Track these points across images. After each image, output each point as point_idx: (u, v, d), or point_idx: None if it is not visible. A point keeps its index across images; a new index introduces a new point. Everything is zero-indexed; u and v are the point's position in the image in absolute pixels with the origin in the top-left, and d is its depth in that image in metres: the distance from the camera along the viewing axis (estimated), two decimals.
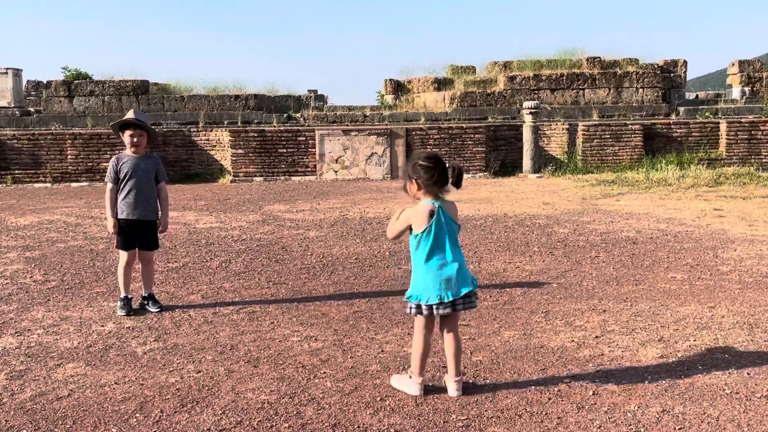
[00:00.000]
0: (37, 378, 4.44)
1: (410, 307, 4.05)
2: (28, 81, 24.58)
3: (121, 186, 5.93)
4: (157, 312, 5.93)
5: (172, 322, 5.64)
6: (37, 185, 17.78)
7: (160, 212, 6.11)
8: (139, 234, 5.99)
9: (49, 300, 6.40)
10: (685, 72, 23.89)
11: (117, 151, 18.50)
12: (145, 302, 6.07)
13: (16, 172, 18.00)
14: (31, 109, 23.36)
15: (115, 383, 4.31)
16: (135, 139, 5.93)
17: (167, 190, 6.19)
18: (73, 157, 18.11)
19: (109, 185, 5.98)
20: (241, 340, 5.14)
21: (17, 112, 22.16)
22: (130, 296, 6.02)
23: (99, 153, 18.15)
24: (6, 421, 3.81)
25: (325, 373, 4.45)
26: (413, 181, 4.03)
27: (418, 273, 4.04)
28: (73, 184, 17.86)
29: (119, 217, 5.95)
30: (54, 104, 22.37)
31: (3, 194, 15.98)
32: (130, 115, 6.06)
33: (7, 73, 22.81)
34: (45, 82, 23.45)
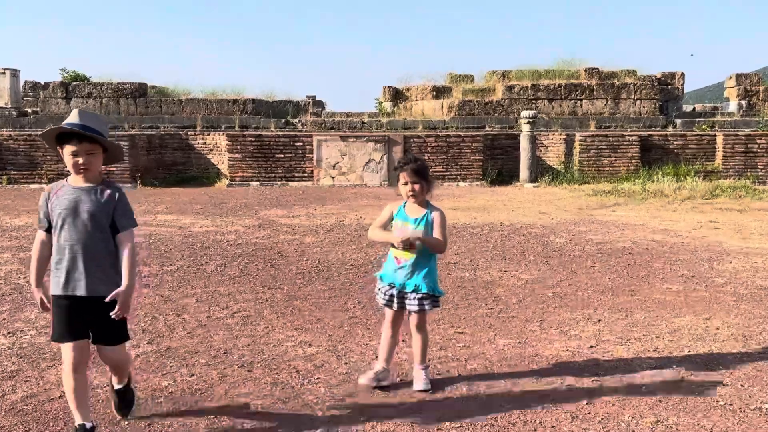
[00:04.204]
0: (28, 379, 4.42)
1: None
2: (25, 82, 24.55)
3: (56, 237, 3.55)
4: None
5: (166, 325, 5.62)
6: (32, 186, 17.74)
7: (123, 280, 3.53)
8: (88, 317, 3.53)
9: None
10: (682, 84, 23.98)
11: None
12: (120, 399, 3.88)
13: (12, 172, 17.96)
14: (28, 110, 23.33)
15: (108, 385, 4.28)
16: (81, 160, 3.53)
17: (134, 244, 3.61)
18: None
19: (39, 234, 3.63)
20: (235, 345, 5.12)
21: (14, 113, 22.13)
22: (89, 425, 3.54)
23: None
24: None
25: (319, 378, 4.44)
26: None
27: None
28: None
29: (52, 292, 3.55)
30: (51, 105, 22.35)
31: None
32: (72, 118, 3.57)
33: (4, 73, 22.79)
34: (42, 84, 23.43)
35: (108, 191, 3.57)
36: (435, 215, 4.24)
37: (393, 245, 4.23)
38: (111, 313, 3.47)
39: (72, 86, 22.35)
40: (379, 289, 4.36)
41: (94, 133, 3.55)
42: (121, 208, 3.57)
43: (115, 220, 3.55)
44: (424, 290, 4.22)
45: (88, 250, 3.49)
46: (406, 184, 4.23)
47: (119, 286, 3.49)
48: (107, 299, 3.46)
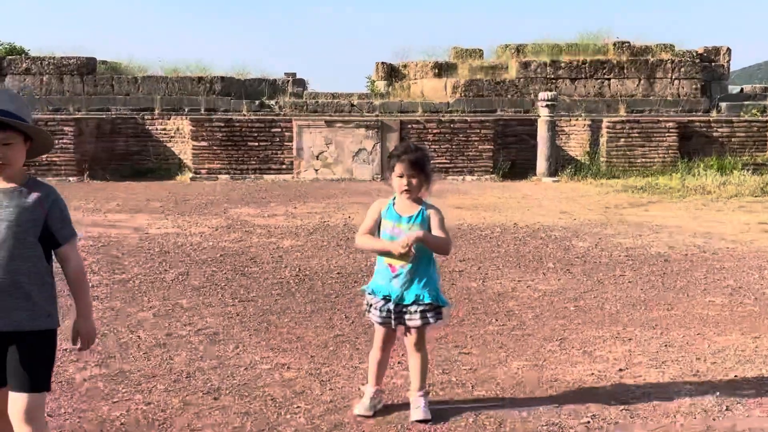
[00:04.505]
0: None
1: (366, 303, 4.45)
2: None
3: None
4: None
5: (118, 344, 5.61)
6: None
7: (70, 309, 3.50)
8: (3, 357, 3.26)
9: None
10: (728, 62, 24.02)
11: (57, 141, 18.47)
12: None
13: None
14: None
15: (49, 416, 4.26)
16: None
17: (81, 262, 3.44)
18: None
19: None
20: (200, 367, 5.11)
21: None
22: None
23: None
24: None
25: (298, 407, 4.44)
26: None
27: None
28: None
29: None
30: None
31: None
32: None
33: None
34: None
35: (36, 193, 3.24)
36: (432, 212, 4.25)
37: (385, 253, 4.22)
38: (77, 347, 3.43)
39: (7, 61, 22.26)
40: (371, 305, 4.33)
41: (6, 116, 3.15)
42: (56, 214, 3.27)
43: (52, 230, 3.27)
44: (427, 300, 4.21)
45: (9, 271, 3.16)
46: (401, 176, 4.22)
47: (52, 317, 3.29)
48: (78, 349, 3.42)
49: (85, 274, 3.44)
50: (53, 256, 3.33)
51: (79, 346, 3.41)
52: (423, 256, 4.22)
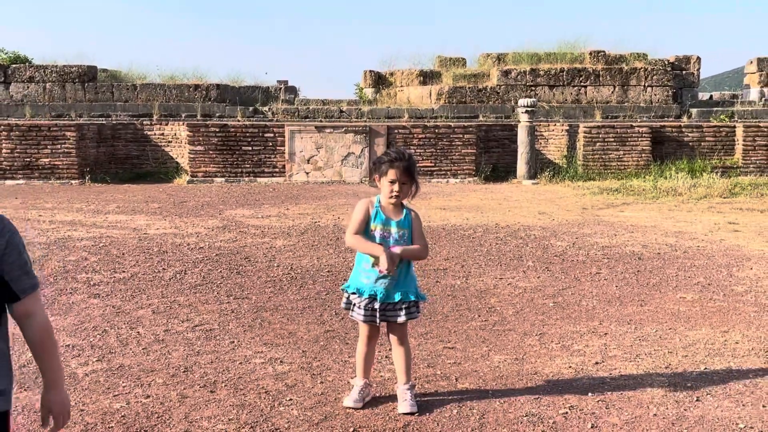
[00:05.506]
0: None
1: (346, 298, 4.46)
2: None
3: None
4: None
5: (118, 340, 5.59)
6: None
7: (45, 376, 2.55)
8: None
9: None
10: (698, 70, 24.16)
11: (59, 145, 18.47)
12: None
13: None
14: None
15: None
16: None
17: (46, 318, 2.51)
18: (9, 151, 17.90)
19: None
20: (197, 362, 5.10)
21: None
22: None
23: (38, 147, 17.97)
24: None
25: (291, 400, 4.44)
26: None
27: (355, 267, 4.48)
28: (8, 182, 17.67)
29: None
30: None
31: None
32: None
33: None
34: None
35: None
36: (413, 216, 4.34)
37: (374, 258, 4.23)
38: (49, 429, 2.53)
39: (11, 69, 22.15)
40: (355, 304, 4.37)
41: None
42: (13, 257, 2.38)
43: (8, 279, 2.37)
44: (412, 298, 4.29)
45: None
46: (393, 182, 4.23)
47: (5, 395, 2.41)
48: (50, 430, 2.51)
49: (52, 334, 2.51)
50: (6, 315, 2.45)
51: (51, 427, 2.52)
52: (404, 259, 4.30)
